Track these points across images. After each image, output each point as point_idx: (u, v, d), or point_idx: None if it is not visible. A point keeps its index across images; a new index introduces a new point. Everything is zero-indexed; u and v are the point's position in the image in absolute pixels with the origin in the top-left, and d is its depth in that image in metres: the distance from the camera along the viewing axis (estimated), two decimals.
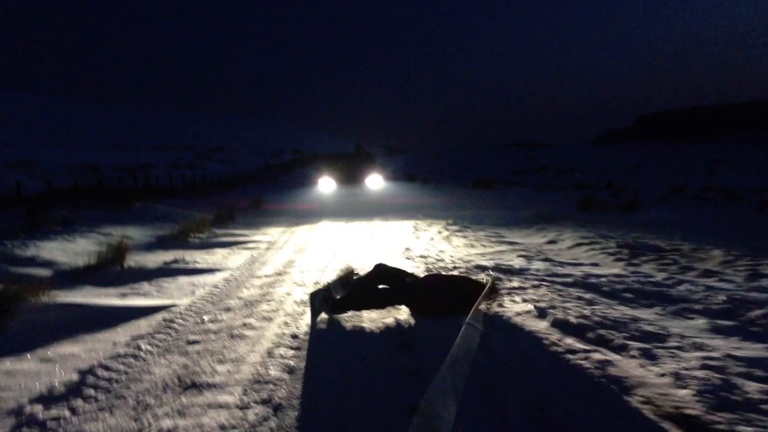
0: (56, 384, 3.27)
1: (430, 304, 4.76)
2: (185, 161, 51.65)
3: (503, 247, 8.47)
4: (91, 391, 3.17)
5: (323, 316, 4.73)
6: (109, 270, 6.85)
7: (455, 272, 6.41)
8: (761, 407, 2.79)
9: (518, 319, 4.58)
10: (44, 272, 6.37)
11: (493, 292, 5.24)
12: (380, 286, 5.03)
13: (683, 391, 3.02)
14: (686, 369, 3.30)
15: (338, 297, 4.85)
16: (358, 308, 4.84)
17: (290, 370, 3.48)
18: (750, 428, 2.60)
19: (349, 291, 4.96)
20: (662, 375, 3.27)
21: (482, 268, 6.53)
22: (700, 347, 3.71)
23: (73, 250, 7.60)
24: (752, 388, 3.00)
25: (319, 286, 5.39)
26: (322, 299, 4.73)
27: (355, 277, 5.32)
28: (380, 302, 4.90)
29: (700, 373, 3.21)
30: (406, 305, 4.87)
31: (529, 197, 21.28)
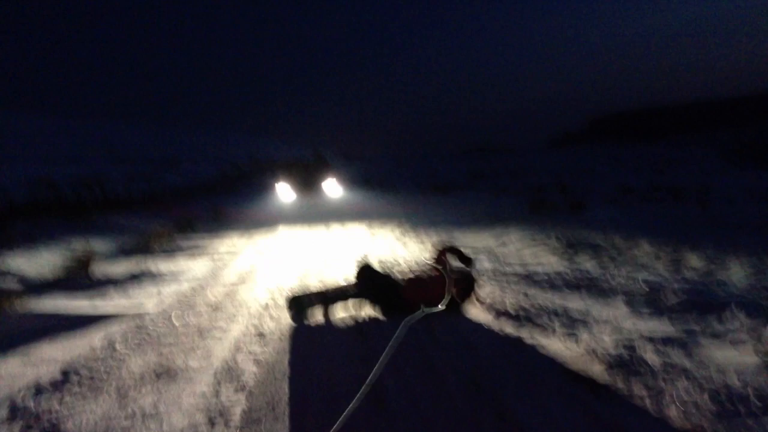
0: (43, 379, 3.59)
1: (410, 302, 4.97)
2: (141, 173, 50.97)
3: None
4: (76, 383, 3.51)
5: (296, 313, 5.03)
6: (77, 280, 7.10)
7: (408, 271, 6.85)
8: (658, 373, 3.32)
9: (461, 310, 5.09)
10: (14, 284, 6.60)
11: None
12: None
13: (594, 361, 3.56)
14: (600, 344, 3.83)
15: (317, 298, 5.11)
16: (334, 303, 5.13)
17: (256, 361, 3.88)
18: (642, 387, 3.13)
19: (330, 293, 5.21)
20: (580, 350, 3.80)
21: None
22: (616, 327, 4.26)
23: (39, 262, 7.81)
24: (654, 359, 3.54)
25: (297, 291, 5.63)
26: (300, 300, 5.06)
27: (347, 284, 5.42)
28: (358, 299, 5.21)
29: (611, 347, 3.74)
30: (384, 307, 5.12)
31: (483, 200, 21.88)
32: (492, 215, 14.25)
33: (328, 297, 5.16)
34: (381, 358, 2.44)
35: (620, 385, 3.23)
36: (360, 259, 5.51)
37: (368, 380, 2.28)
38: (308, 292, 5.23)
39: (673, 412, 2.86)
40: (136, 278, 7.26)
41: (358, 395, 2.18)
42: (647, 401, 3.01)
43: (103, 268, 7.91)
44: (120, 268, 8.03)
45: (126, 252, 9.70)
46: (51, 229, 11.04)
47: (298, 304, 5.04)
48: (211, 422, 2.94)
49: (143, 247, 9.96)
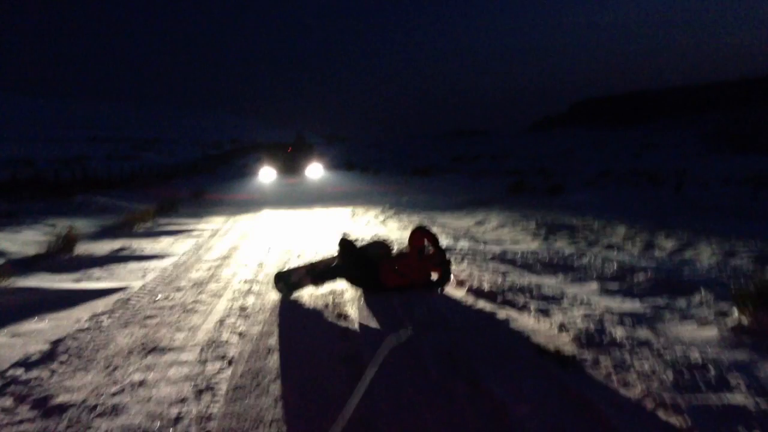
0: (32, 352, 3.68)
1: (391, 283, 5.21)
2: (121, 153, 50.67)
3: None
4: (65, 357, 3.61)
5: (282, 287, 5.22)
6: (60, 258, 7.13)
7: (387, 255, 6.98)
8: (621, 345, 3.51)
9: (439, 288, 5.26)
10: None
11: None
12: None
13: (564, 337, 3.74)
14: (570, 320, 4.01)
15: (302, 273, 5.30)
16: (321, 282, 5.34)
17: (240, 334, 4.02)
18: (607, 360, 3.31)
19: (315, 269, 5.40)
20: (550, 326, 3.99)
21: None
22: (586, 304, 4.45)
23: (21, 240, 7.84)
24: (618, 332, 3.72)
25: (284, 267, 5.81)
26: (286, 275, 5.25)
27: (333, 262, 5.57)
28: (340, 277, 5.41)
29: (580, 323, 3.92)
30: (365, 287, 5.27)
31: (464, 183, 22.10)
32: (472, 197, 14.44)
33: (313, 272, 5.31)
34: (366, 372, 2.56)
35: (588, 358, 3.40)
36: (342, 235, 5.69)
37: (355, 390, 2.38)
38: (294, 268, 5.40)
39: (636, 384, 3.03)
40: (119, 256, 7.32)
41: (348, 403, 2.28)
42: (612, 374, 3.18)
43: (86, 247, 7.95)
44: (103, 246, 8.07)
45: (109, 231, 9.73)
46: (32, 208, 11.03)
47: (285, 279, 5.20)
48: (198, 394, 3.06)
49: (126, 227, 9.99)
